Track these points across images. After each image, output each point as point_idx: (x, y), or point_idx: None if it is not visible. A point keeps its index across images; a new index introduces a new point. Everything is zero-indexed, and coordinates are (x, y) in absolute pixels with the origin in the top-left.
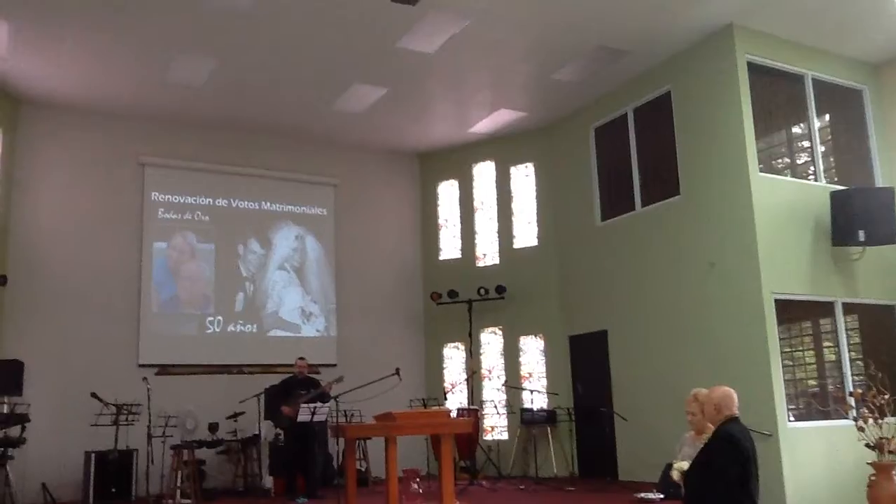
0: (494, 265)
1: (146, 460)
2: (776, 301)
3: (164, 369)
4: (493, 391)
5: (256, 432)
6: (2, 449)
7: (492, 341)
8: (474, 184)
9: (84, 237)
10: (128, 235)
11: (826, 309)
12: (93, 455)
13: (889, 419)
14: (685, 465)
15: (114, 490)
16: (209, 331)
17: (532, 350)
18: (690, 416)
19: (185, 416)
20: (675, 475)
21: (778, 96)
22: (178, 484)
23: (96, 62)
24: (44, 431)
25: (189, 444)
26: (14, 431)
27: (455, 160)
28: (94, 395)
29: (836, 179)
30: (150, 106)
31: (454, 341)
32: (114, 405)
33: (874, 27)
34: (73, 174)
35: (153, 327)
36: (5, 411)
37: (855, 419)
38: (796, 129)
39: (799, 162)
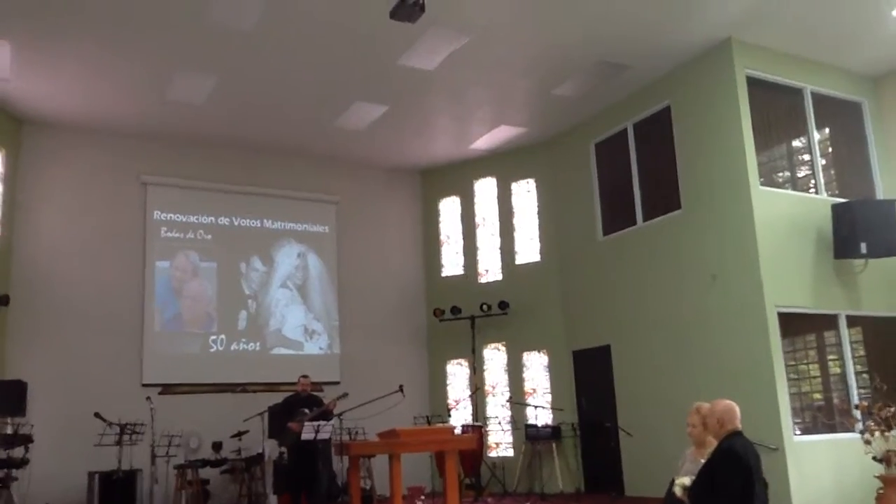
0: (497, 281)
1: (150, 480)
2: (779, 314)
3: (167, 388)
4: (498, 407)
5: (260, 451)
6: (5, 470)
7: (495, 357)
8: (476, 200)
9: (86, 257)
10: (130, 255)
11: (830, 322)
12: (96, 475)
13: None
14: (686, 480)
15: None
16: (212, 349)
17: (536, 365)
18: (691, 427)
19: (188, 435)
20: (678, 491)
21: (777, 110)
22: None
23: (97, 81)
24: (47, 452)
25: (193, 464)
26: (17, 452)
27: (456, 176)
28: (97, 414)
29: (836, 192)
30: (151, 125)
31: (457, 358)
32: (117, 425)
33: (872, 40)
34: (76, 194)
35: (156, 346)
36: (9, 432)
37: (861, 432)
38: (796, 143)
39: (799, 175)
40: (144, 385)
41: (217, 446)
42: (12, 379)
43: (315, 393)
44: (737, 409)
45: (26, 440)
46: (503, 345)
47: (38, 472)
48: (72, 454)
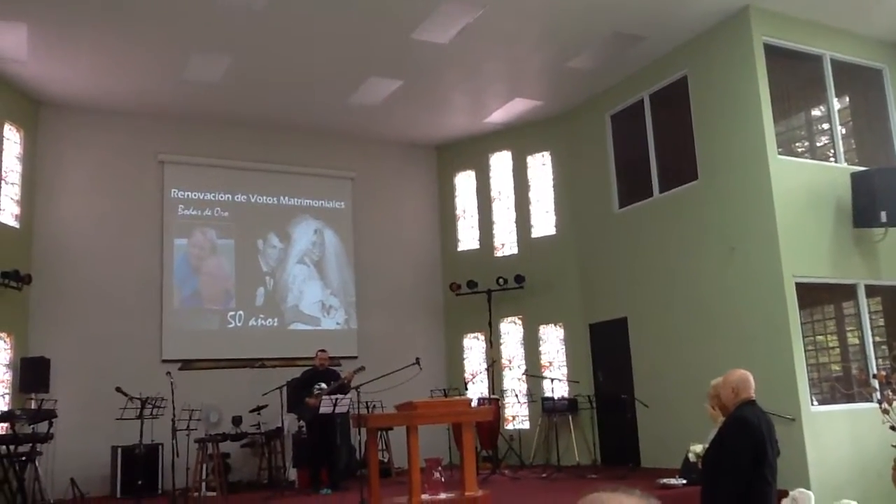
0: (513, 255)
1: (171, 454)
2: (797, 285)
3: (187, 364)
4: (514, 381)
5: (279, 425)
6: (30, 445)
7: (511, 331)
8: (491, 174)
9: (105, 235)
10: (148, 233)
11: (848, 292)
12: (119, 449)
13: None
14: (699, 447)
15: (140, 483)
16: (231, 325)
17: (552, 339)
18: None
19: (208, 409)
20: (692, 456)
21: (796, 78)
22: (204, 477)
23: (113, 62)
24: (71, 427)
25: (213, 438)
26: (42, 427)
27: (472, 151)
28: (118, 389)
29: (856, 161)
30: (167, 104)
31: (474, 331)
32: (138, 399)
33: (893, 4)
34: (93, 173)
35: (175, 323)
36: (33, 407)
37: (879, 402)
38: (815, 112)
39: (818, 144)
40: (164, 361)
41: (237, 420)
42: (36, 356)
43: (333, 367)
44: (751, 378)
45: (50, 415)
46: (519, 318)
47: (62, 446)
48: (94, 429)
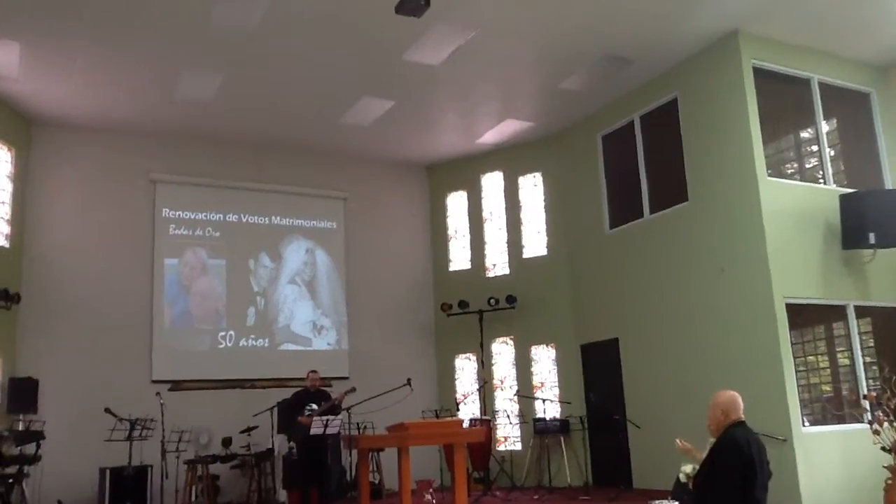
0: (504, 275)
1: (160, 475)
2: (788, 306)
3: (177, 385)
4: (506, 401)
5: (270, 446)
6: (17, 466)
7: (503, 351)
8: (483, 194)
9: (96, 255)
10: (140, 252)
11: (838, 313)
12: (107, 471)
13: None
14: (689, 467)
15: None
16: (221, 346)
17: (544, 359)
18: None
19: (198, 430)
20: (682, 477)
21: (785, 101)
22: (193, 499)
23: (106, 81)
24: (59, 448)
25: (203, 459)
26: (29, 448)
27: (463, 171)
28: (108, 410)
29: (845, 183)
30: (159, 123)
31: (466, 352)
32: (128, 420)
33: (880, 29)
34: (85, 192)
35: (166, 343)
36: (21, 428)
37: (870, 422)
38: (804, 134)
39: (808, 166)
40: (154, 381)
41: (227, 442)
42: (24, 376)
43: (324, 388)
44: (740, 399)
45: (38, 437)
46: (511, 339)
47: (50, 467)
48: (83, 450)
